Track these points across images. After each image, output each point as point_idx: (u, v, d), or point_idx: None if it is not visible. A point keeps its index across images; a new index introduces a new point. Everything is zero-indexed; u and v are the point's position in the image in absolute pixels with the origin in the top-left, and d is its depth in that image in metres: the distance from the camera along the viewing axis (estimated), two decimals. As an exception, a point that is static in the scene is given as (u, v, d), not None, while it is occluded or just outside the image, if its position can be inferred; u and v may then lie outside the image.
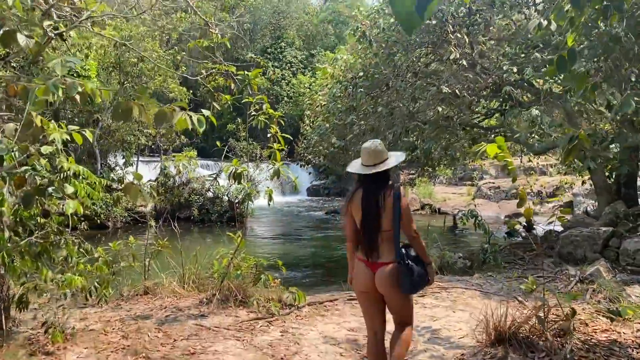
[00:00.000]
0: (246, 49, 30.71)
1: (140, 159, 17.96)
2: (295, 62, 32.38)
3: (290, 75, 31.49)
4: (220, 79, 5.04)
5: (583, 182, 11.71)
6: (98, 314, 4.81)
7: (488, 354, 3.69)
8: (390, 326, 3.24)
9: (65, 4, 3.98)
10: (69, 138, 3.31)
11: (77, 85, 2.57)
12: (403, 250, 3.04)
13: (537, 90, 8.22)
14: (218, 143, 8.67)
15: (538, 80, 8.06)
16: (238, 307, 4.99)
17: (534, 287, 4.12)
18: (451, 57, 7.62)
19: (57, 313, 4.03)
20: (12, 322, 4.20)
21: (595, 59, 4.97)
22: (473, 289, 5.74)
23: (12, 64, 7.96)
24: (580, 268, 6.15)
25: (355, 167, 3.16)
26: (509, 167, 3.26)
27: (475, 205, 8.41)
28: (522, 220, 8.56)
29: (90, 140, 3.33)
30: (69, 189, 3.44)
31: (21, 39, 2.66)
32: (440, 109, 8.31)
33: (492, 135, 9.10)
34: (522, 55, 8.01)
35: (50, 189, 3.34)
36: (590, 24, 3.68)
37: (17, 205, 3.51)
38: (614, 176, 8.79)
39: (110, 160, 16.58)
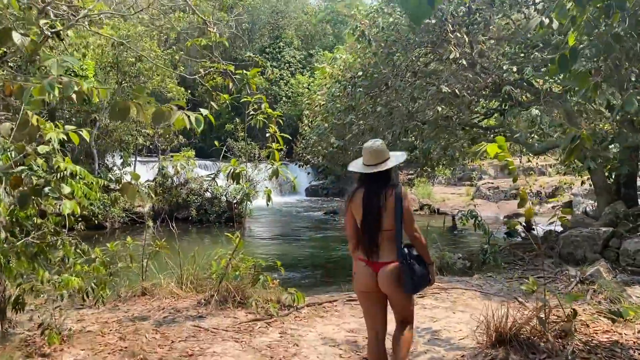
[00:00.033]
0: (244, 49, 30.65)
1: (138, 159, 17.89)
2: (294, 62, 32.36)
3: (289, 75, 31.47)
4: (218, 78, 5.01)
5: (582, 183, 11.71)
6: (95, 315, 4.78)
7: (489, 355, 3.67)
8: (390, 327, 3.21)
9: (62, 3, 3.95)
10: (65, 138, 3.28)
11: (73, 84, 2.54)
12: (405, 250, 3.04)
13: (537, 90, 8.20)
14: (216, 143, 8.67)
15: (538, 80, 8.04)
16: (236, 308, 4.95)
17: (535, 287, 4.11)
18: (451, 57, 7.59)
19: (53, 314, 4.00)
20: (8, 323, 4.17)
21: (595, 59, 4.94)
22: (473, 290, 5.72)
23: (9, 64, 7.92)
24: (581, 268, 6.14)
25: (356, 166, 3.17)
26: (510, 167, 3.24)
27: (474, 206, 8.40)
28: (522, 220, 8.55)
29: (88, 140, 3.30)
30: (66, 189, 3.41)
31: (16, 37, 2.62)
32: (439, 109, 8.29)
33: (492, 135, 9.06)
34: (522, 54, 8.00)
35: (47, 189, 3.30)
36: (592, 22, 3.65)
37: (13, 206, 3.49)
38: (613, 176, 8.77)
39: (107, 160, 16.54)
